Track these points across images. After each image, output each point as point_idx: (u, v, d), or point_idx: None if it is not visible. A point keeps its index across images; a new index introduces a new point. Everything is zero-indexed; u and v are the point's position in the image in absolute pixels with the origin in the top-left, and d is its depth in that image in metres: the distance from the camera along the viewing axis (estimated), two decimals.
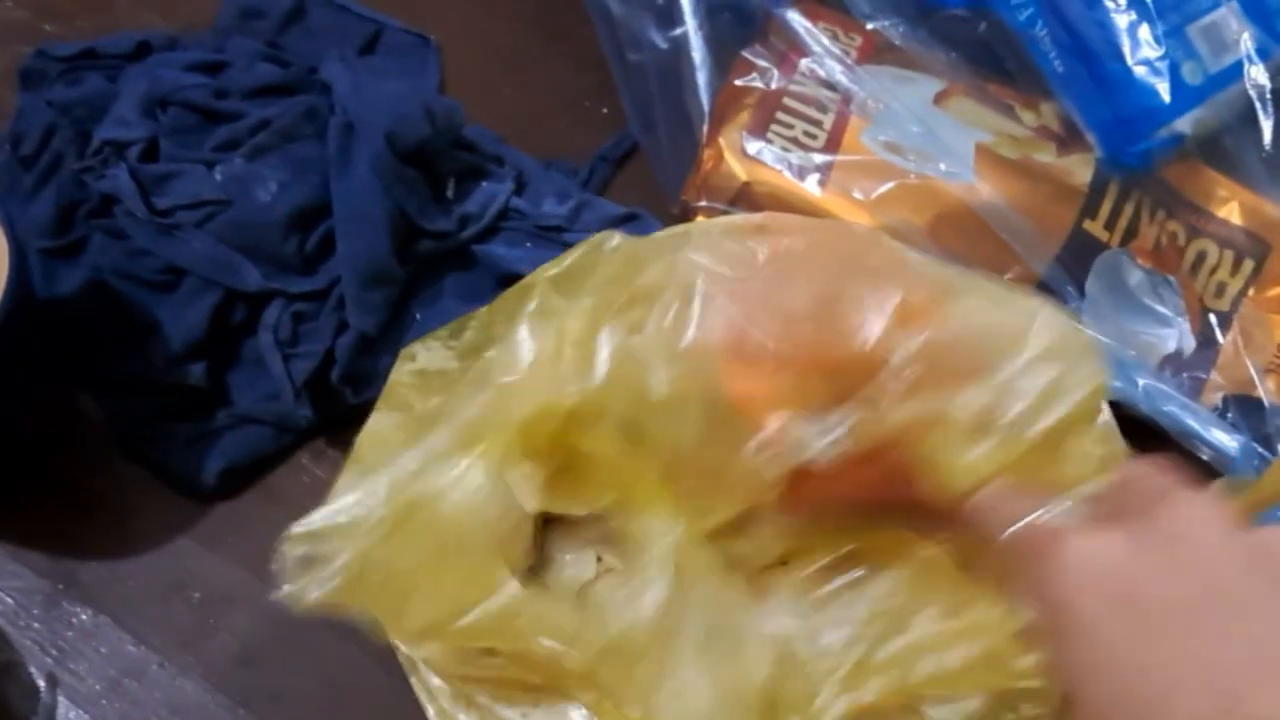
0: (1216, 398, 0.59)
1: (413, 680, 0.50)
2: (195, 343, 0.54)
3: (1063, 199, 0.60)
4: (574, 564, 0.55)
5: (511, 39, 0.69)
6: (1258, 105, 0.58)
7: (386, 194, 0.54)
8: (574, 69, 0.68)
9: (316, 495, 0.57)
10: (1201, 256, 0.62)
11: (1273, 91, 0.59)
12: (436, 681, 0.50)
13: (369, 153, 0.54)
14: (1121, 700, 0.30)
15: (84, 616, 0.54)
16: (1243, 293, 0.61)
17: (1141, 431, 0.58)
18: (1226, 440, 0.55)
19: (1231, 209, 0.62)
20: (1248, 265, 0.62)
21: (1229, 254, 0.62)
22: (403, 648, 0.50)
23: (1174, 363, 0.60)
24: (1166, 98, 0.58)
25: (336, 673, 0.54)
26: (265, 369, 0.55)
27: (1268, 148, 0.59)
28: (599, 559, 0.55)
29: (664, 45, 0.63)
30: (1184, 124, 0.58)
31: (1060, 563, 0.32)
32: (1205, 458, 0.56)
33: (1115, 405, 0.57)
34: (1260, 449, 0.57)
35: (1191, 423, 0.56)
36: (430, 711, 0.50)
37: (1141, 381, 0.56)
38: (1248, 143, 0.60)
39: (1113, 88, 0.58)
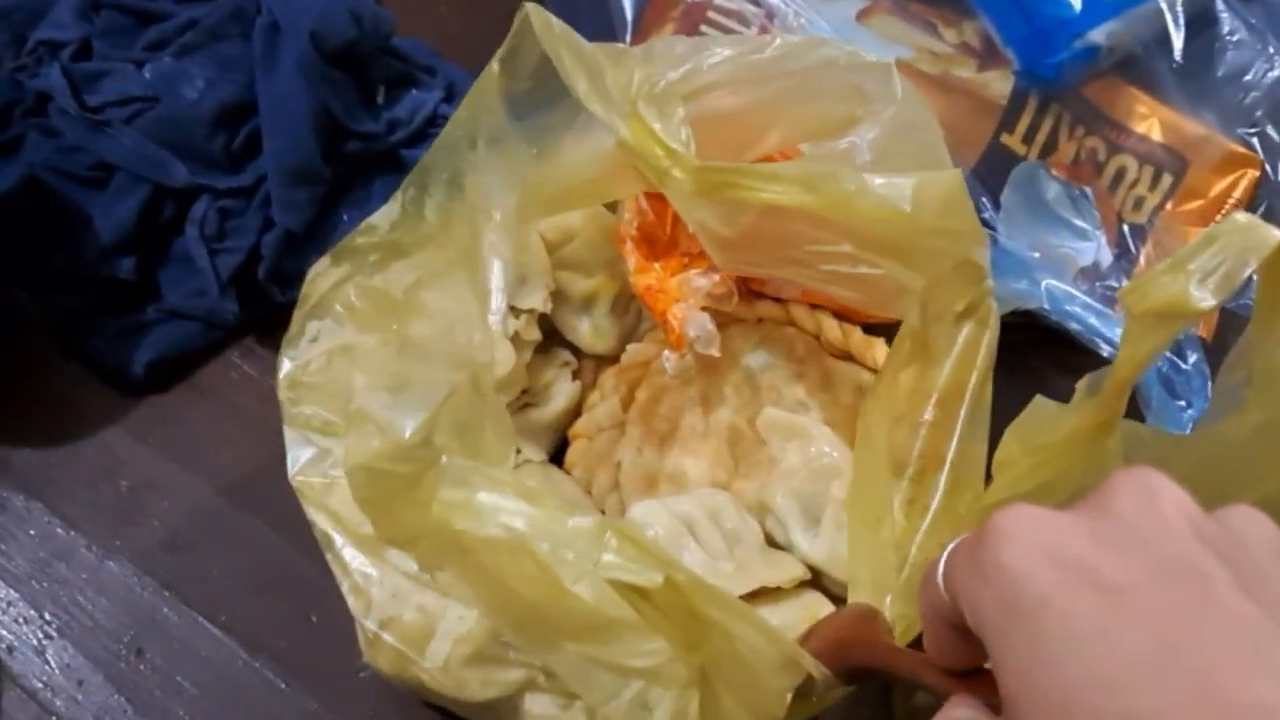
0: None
1: (329, 557, 0.52)
2: (125, 237, 0.56)
3: (981, 113, 0.62)
4: None
5: None
6: (1169, 19, 0.60)
7: (310, 92, 0.55)
8: None
9: (244, 391, 0.60)
10: (1121, 172, 0.63)
11: (1184, 6, 0.60)
12: (351, 555, 0.51)
13: (294, 52, 0.55)
14: (1090, 683, 0.26)
15: (16, 501, 0.56)
16: (1160, 206, 0.63)
17: (1048, 337, 0.59)
18: None
19: (1151, 125, 0.63)
20: (1166, 180, 0.63)
21: (1148, 169, 0.63)
22: (320, 522, 0.51)
23: (1090, 274, 0.61)
24: (1079, 8, 0.59)
25: (261, 558, 0.56)
26: (194, 266, 0.57)
27: (1178, 60, 0.60)
28: (517, 451, 0.56)
29: None
30: (1098, 36, 0.59)
31: (1008, 535, 0.28)
32: (1106, 355, 0.57)
33: (1022, 313, 0.58)
34: (1168, 354, 0.58)
35: (1093, 321, 0.57)
36: (344, 586, 0.51)
37: (1044, 282, 0.57)
38: (1161, 58, 0.61)
39: (1028, 1, 0.60)
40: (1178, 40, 0.60)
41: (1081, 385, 0.43)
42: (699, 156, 0.43)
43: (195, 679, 0.54)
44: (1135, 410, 0.58)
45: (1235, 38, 0.60)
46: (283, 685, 0.54)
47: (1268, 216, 0.63)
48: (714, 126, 0.46)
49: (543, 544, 0.36)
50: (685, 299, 0.52)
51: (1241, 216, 0.36)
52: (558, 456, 0.58)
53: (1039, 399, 0.46)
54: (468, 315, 0.44)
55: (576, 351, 0.58)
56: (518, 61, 0.47)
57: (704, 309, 0.53)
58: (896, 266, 0.44)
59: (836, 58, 0.45)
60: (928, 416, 0.50)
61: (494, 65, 0.47)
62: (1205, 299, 0.36)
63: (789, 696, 0.40)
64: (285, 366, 0.50)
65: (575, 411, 0.57)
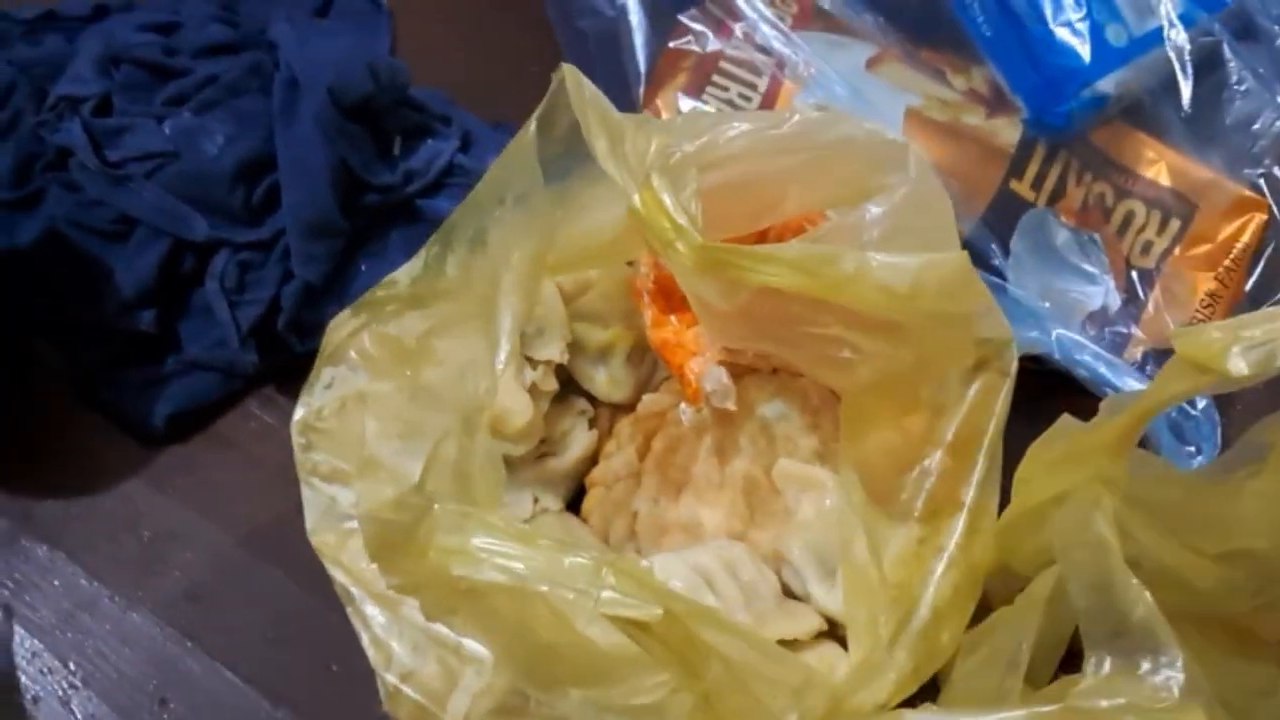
0: (1138, 353, 0.61)
1: (349, 610, 0.52)
2: (145, 290, 0.56)
3: (989, 160, 0.62)
4: (513, 505, 0.57)
5: (463, 5, 0.72)
6: (1177, 68, 0.60)
7: (329, 146, 0.56)
8: (523, 34, 0.70)
9: (264, 440, 0.60)
10: (1129, 217, 0.64)
11: (1192, 55, 0.61)
12: (371, 610, 0.52)
13: (312, 106, 0.56)
14: None
15: (39, 552, 0.57)
16: (1168, 251, 0.63)
17: (1058, 384, 0.60)
18: (1138, 388, 0.57)
19: (1159, 170, 0.64)
20: (1174, 224, 0.63)
21: (1156, 214, 0.63)
22: (339, 577, 0.52)
23: (1099, 319, 0.62)
24: (1088, 59, 0.59)
25: (282, 608, 0.56)
26: (214, 318, 0.57)
27: (1186, 109, 0.60)
28: (535, 499, 0.57)
29: (610, 12, 0.65)
30: (1107, 85, 0.60)
31: None
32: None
33: (1032, 358, 0.59)
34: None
35: (1104, 371, 0.58)
36: (364, 639, 0.52)
37: (1055, 332, 0.58)
38: (1169, 105, 0.61)
39: (1037, 49, 0.60)
40: (1186, 89, 0.60)
41: (1104, 405, 0.44)
42: (714, 221, 0.44)
43: None
44: None
45: (1243, 86, 0.61)
46: None
47: (1275, 258, 0.64)
48: (731, 193, 0.47)
49: (541, 585, 0.37)
50: (702, 352, 0.53)
51: None
52: (575, 505, 0.58)
53: (1065, 417, 0.47)
54: (477, 362, 0.45)
55: (594, 401, 0.59)
56: (553, 122, 0.48)
57: (720, 362, 0.53)
58: (889, 347, 0.45)
59: (854, 134, 0.46)
60: (938, 461, 0.51)
61: (531, 125, 0.48)
62: (1240, 369, 0.37)
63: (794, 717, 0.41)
64: (299, 412, 0.51)
65: (592, 460, 0.58)
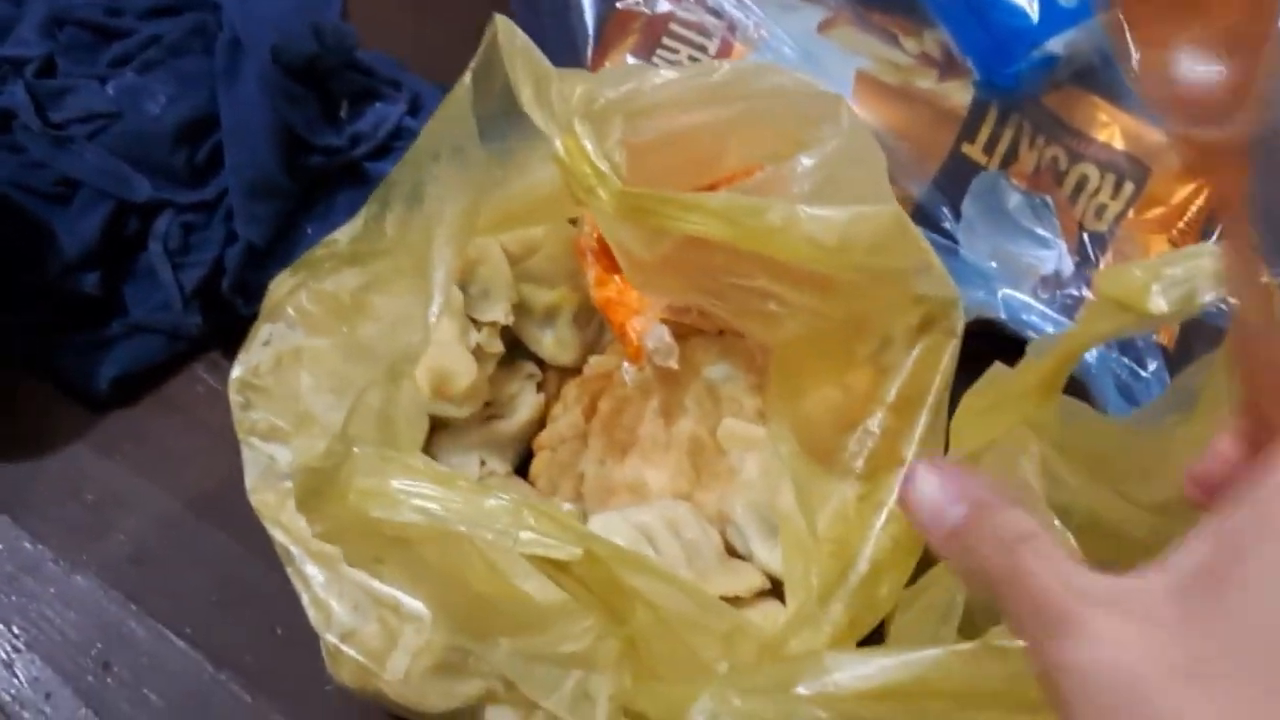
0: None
1: (289, 570, 0.52)
2: (89, 252, 0.56)
3: (941, 123, 0.62)
4: (459, 467, 0.56)
5: None
6: (1127, 29, 0.60)
7: (271, 107, 0.56)
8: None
9: (210, 405, 0.60)
10: (1083, 180, 0.63)
11: None
12: (311, 569, 0.51)
13: (254, 67, 0.56)
14: None
15: None
16: (1122, 214, 0.63)
17: (1012, 349, 0.59)
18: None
19: (1113, 133, 0.63)
20: (1128, 188, 0.63)
21: (1110, 177, 0.63)
22: (278, 536, 0.52)
23: (1051, 283, 0.62)
24: (1037, 19, 0.59)
25: (227, 572, 0.56)
26: (158, 281, 0.57)
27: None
28: (482, 462, 0.57)
29: None
30: (1056, 45, 0.60)
31: (1068, 658, 0.26)
32: None
33: (987, 322, 0.59)
34: (1127, 361, 0.59)
35: (1050, 330, 0.57)
36: (305, 599, 0.51)
37: (1002, 292, 0.57)
38: (1118, 67, 0.61)
39: (986, 10, 0.60)
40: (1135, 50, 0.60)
41: (1030, 348, 0.44)
42: (655, 177, 0.44)
43: (162, 692, 0.54)
44: None
45: None
46: (248, 698, 0.54)
47: None
48: (669, 149, 0.47)
49: (460, 525, 0.37)
50: (644, 311, 0.53)
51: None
52: (524, 468, 0.58)
53: (996, 365, 0.47)
54: (410, 315, 0.44)
55: (541, 364, 0.58)
56: (490, 75, 0.47)
57: (663, 321, 0.53)
58: (817, 301, 0.45)
59: (785, 84, 0.45)
60: (881, 419, 0.51)
61: (465, 77, 0.48)
62: (1160, 306, 0.37)
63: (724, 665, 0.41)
64: (237, 370, 0.50)
65: (540, 423, 0.58)
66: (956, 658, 0.35)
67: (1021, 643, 0.32)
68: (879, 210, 0.45)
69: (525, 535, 0.37)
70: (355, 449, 0.38)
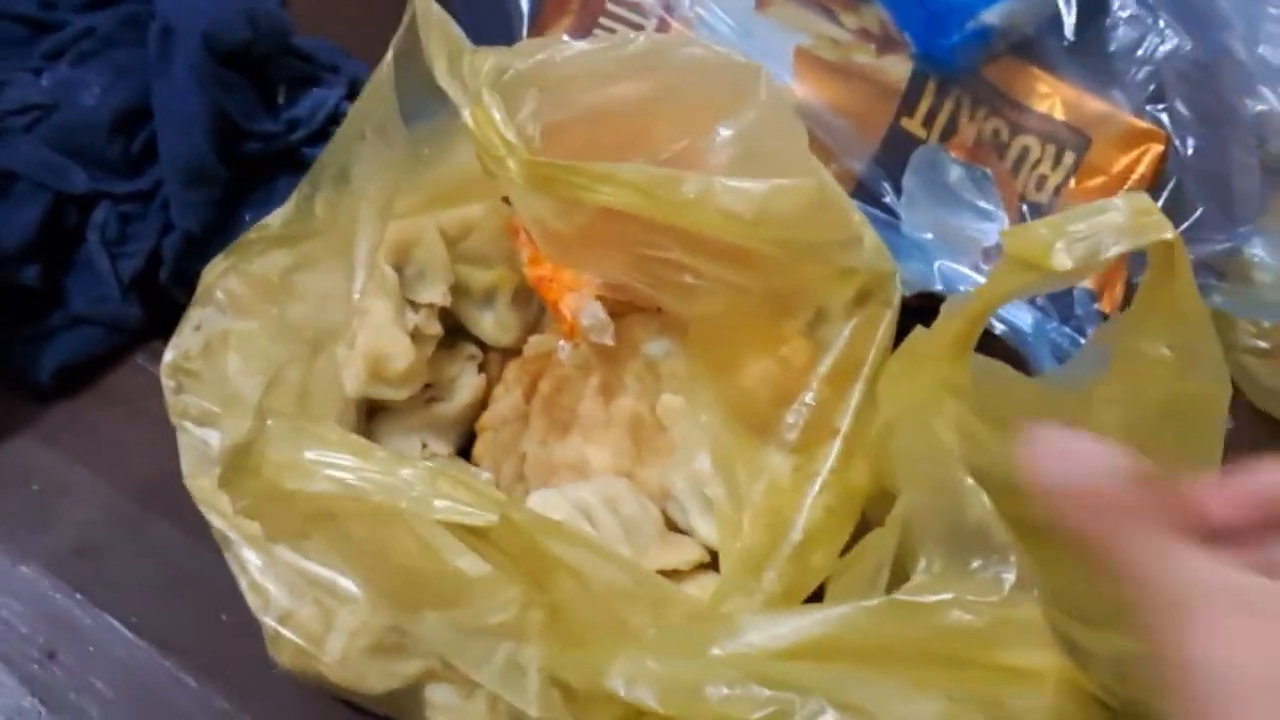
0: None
1: (227, 556, 0.52)
2: (28, 244, 0.56)
3: (881, 98, 0.62)
4: (400, 451, 0.56)
5: None
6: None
7: (204, 94, 0.56)
8: None
9: (152, 394, 0.60)
10: (1024, 152, 0.63)
11: None
12: (248, 554, 0.51)
13: (186, 55, 0.56)
14: None
15: None
16: (1063, 184, 0.63)
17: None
18: (1020, 316, 0.57)
19: (1053, 104, 0.63)
20: (1069, 158, 0.63)
21: (1050, 147, 0.63)
22: (215, 521, 0.52)
23: (993, 255, 0.62)
24: None
25: (171, 560, 0.56)
26: (98, 273, 0.57)
27: (1070, 38, 0.60)
28: (423, 445, 0.57)
29: None
30: (991, 17, 0.60)
31: (1202, 654, 0.26)
32: (999, 333, 0.58)
33: (929, 295, 0.59)
34: (1068, 330, 0.59)
35: None
36: (243, 584, 0.52)
37: (938, 263, 0.57)
38: (1054, 37, 0.61)
39: None
40: (1069, 18, 0.60)
41: (944, 308, 0.44)
42: (581, 156, 0.44)
43: (109, 681, 0.54)
44: None
45: (1125, 13, 0.61)
46: (195, 685, 0.54)
47: (1176, 192, 0.64)
48: (593, 126, 0.47)
49: (375, 494, 0.37)
50: (578, 288, 0.53)
51: (1137, 199, 0.37)
52: (468, 451, 0.58)
53: (917, 328, 0.47)
54: (335, 292, 0.45)
55: (483, 345, 0.58)
56: (413, 54, 0.47)
57: (599, 298, 0.53)
58: (735, 275, 0.45)
59: (703, 56, 0.45)
60: (816, 392, 0.51)
61: (388, 57, 0.48)
62: (1064, 263, 0.37)
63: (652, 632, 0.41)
64: (169, 355, 0.51)
65: (482, 405, 0.58)
66: (866, 614, 0.36)
67: (931, 598, 0.32)
68: (798, 183, 0.45)
69: (441, 503, 0.37)
70: (269, 421, 0.38)
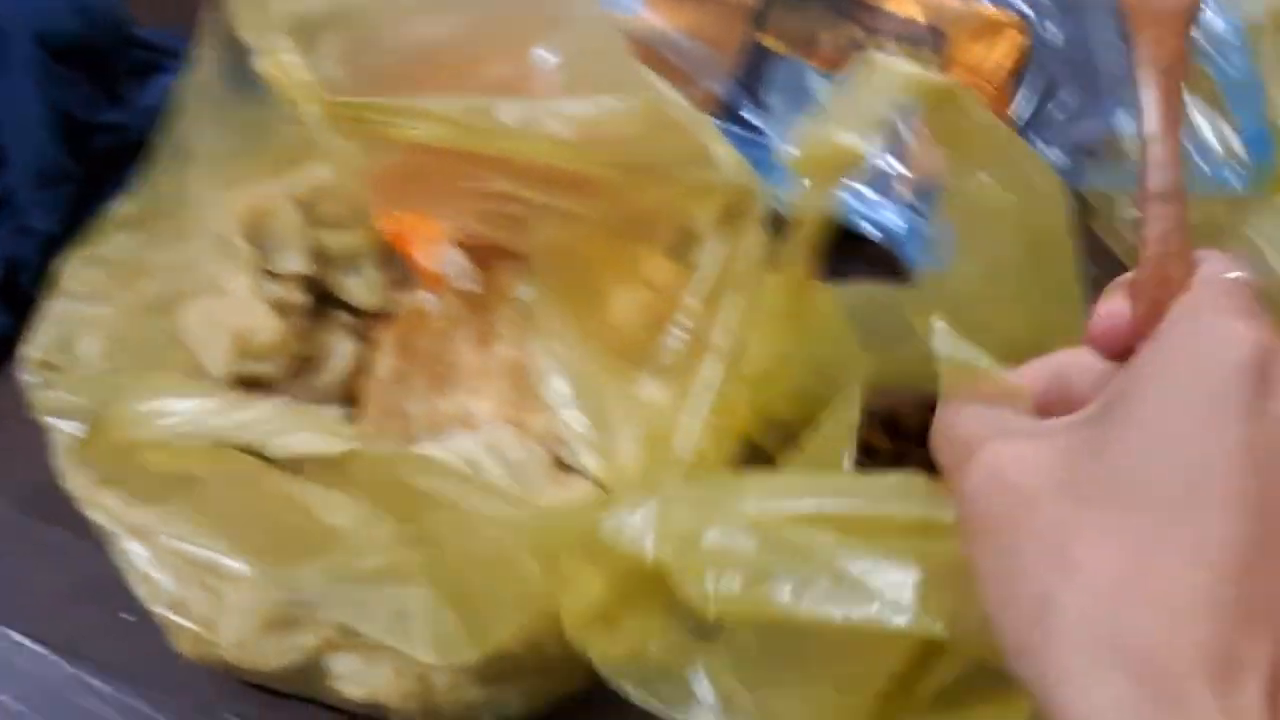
0: (908, 190, 0.61)
1: (112, 551, 0.51)
2: None
3: (733, 17, 0.62)
4: None
5: None
6: None
7: (43, 93, 0.55)
8: None
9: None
10: None
11: None
12: (131, 545, 0.50)
13: (20, 56, 0.55)
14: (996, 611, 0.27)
15: None
16: None
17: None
18: (894, 219, 0.57)
19: (906, 4, 0.63)
20: (928, 56, 0.63)
21: (908, 48, 0.63)
22: (96, 517, 0.50)
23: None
24: None
25: (68, 565, 0.55)
26: None
27: None
28: None
29: None
30: None
31: (968, 482, 0.28)
32: (877, 240, 0.57)
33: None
34: None
35: (858, 206, 0.57)
36: (131, 577, 0.51)
37: None
38: None
39: None
40: None
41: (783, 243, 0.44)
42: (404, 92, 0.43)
43: (19, 694, 0.53)
44: None
45: None
46: (108, 688, 0.54)
47: (1041, 77, 0.63)
48: (418, 70, 0.46)
49: (227, 434, 0.36)
50: (435, 238, 0.52)
51: (877, 56, 0.37)
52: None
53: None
54: (186, 265, 0.44)
55: (358, 312, 0.58)
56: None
57: (460, 245, 0.52)
58: (570, 201, 0.44)
59: None
60: (689, 312, 0.50)
61: (205, 23, 0.47)
62: (857, 142, 0.37)
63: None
64: (29, 353, 0.50)
65: (363, 371, 0.57)
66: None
67: None
68: (627, 102, 0.44)
69: (291, 439, 0.37)
70: (107, 378, 0.38)
